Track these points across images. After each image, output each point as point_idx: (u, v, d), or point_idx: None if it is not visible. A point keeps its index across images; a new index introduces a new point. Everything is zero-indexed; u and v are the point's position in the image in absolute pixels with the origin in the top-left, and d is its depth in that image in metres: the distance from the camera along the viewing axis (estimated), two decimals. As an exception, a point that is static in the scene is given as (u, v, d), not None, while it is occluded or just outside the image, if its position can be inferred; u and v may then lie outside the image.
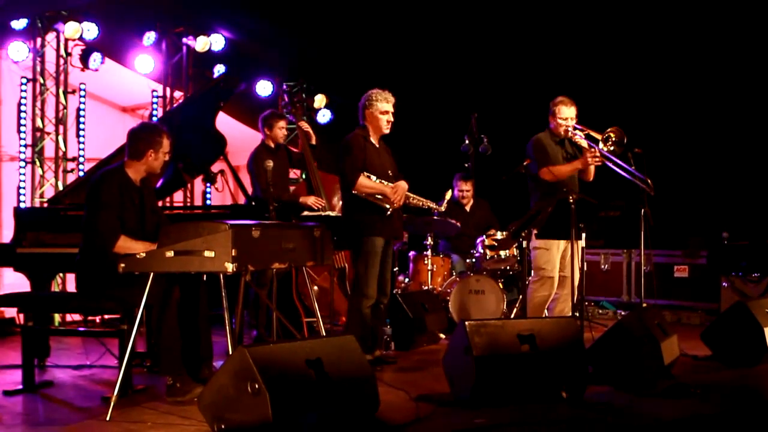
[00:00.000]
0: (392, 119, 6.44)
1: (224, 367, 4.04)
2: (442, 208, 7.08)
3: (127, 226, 5.26)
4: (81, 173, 9.09)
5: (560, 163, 6.98)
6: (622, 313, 9.79)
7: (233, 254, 4.50)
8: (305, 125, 7.77)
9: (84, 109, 9.38)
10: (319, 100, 11.01)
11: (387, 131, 6.46)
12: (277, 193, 7.04)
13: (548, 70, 10.20)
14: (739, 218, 9.70)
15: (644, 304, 8.11)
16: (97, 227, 5.21)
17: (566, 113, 7.02)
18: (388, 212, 6.27)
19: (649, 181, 6.86)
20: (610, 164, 6.86)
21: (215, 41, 10.14)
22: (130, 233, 5.23)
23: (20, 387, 5.41)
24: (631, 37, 10.10)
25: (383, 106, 6.37)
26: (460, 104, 10.12)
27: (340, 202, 6.89)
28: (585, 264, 6.69)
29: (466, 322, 4.92)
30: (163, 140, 5.45)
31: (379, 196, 6.26)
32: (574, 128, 7.01)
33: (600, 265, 10.41)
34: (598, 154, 6.80)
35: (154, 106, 10.23)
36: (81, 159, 9.30)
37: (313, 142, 7.65)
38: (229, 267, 4.50)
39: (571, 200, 6.09)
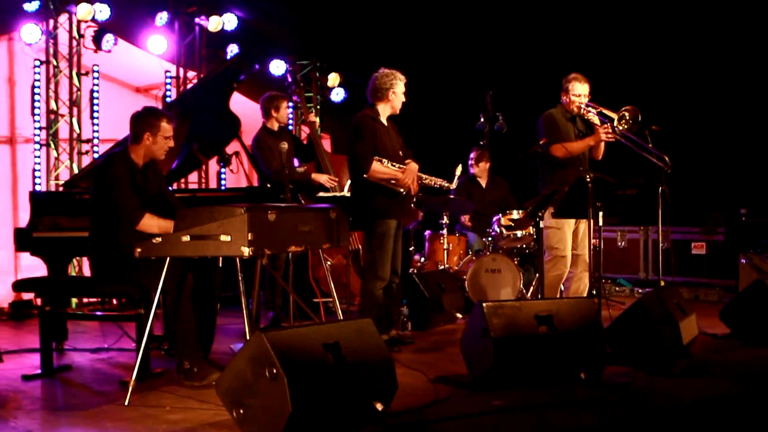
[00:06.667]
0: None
1: (242, 353, 4.02)
2: (453, 185, 7.01)
3: None
4: (96, 155, 9.08)
5: (572, 139, 6.94)
6: (639, 290, 9.75)
7: (249, 238, 4.45)
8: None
9: (98, 91, 9.32)
10: (333, 78, 10.92)
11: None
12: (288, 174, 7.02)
13: (563, 47, 10.10)
14: (757, 195, 9.61)
15: (662, 282, 8.08)
16: (119, 207, 5.20)
17: (579, 90, 6.97)
18: (402, 195, 6.25)
19: (666, 158, 6.82)
20: (625, 141, 6.82)
21: (228, 21, 10.06)
22: None
23: (39, 371, 5.43)
24: (646, 14, 9.98)
25: (402, 86, 6.33)
26: (475, 82, 10.04)
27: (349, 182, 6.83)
28: (602, 242, 6.64)
29: (484, 304, 4.88)
30: (161, 123, 5.39)
31: (393, 181, 6.22)
32: (587, 105, 6.96)
33: (617, 242, 10.34)
34: (610, 129, 6.75)
35: (168, 86, 10.18)
36: (96, 140, 9.27)
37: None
38: (246, 251, 4.46)
39: (589, 179, 6.03)
